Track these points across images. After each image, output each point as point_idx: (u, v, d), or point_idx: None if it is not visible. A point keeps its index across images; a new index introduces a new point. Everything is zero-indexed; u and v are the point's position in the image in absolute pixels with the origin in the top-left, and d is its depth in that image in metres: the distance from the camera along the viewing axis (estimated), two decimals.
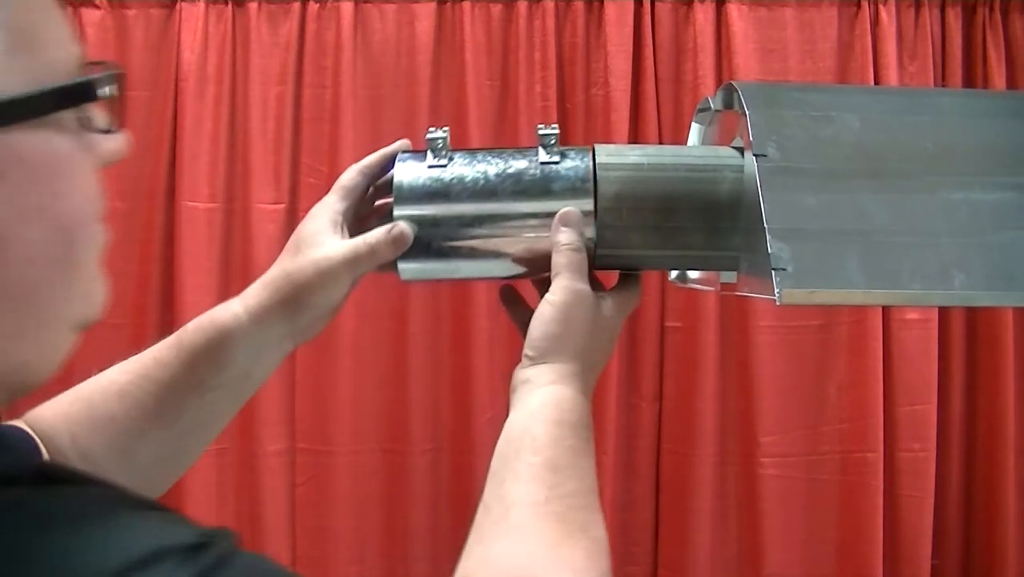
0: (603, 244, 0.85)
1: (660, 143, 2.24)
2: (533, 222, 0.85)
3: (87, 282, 0.56)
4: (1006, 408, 2.27)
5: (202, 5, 2.24)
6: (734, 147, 0.89)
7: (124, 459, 0.79)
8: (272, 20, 2.27)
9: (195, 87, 2.23)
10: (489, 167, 0.87)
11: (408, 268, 0.86)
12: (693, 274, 1.02)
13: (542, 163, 0.87)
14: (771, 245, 0.74)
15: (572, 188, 0.85)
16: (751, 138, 0.81)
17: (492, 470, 0.71)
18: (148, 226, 2.25)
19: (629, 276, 0.89)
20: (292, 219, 2.26)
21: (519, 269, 0.88)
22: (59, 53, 0.53)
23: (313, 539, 2.27)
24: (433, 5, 2.28)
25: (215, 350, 0.81)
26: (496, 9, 2.29)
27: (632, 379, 2.30)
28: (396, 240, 0.83)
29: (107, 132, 0.56)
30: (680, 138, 2.21)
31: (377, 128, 2.27)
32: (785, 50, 2.29)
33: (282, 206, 2.27)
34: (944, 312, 2.26)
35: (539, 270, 0.87)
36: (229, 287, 2.25)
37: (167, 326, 2.24)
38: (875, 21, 2.27)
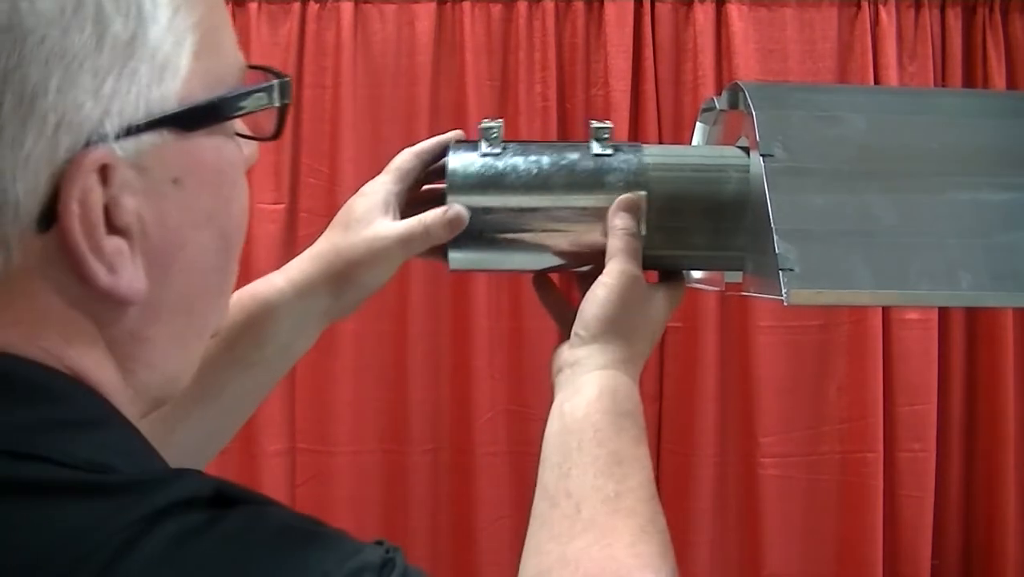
0: None
1: (660, 143, 2.24)
2: (586, 214, 0.85)
3: (229, 292, 0.56)
4: (1006, 408, 2.27)
5: None
6: (739, 147, 0.89)
7: (166, 440, 0.78)
8: (272, 20, 2.26)
9: None
10: (543, 157, 0.87)
11: (458, 257, 0.86)
12: (697, 274, 1.02)
13: (595, 155, 0.87)
14: (778, 245, 0.74)
15: (625, 180, 0.86)
16: (758, 138, 0.81)
17: (552, 461, 0.72)
18: None
19: (673, 272, 0.89)
20: (292, 219, 2.26)
21: (570, 261, 0.88)
22: (232, 57, 0.52)
23: None
24: (433, 5, 2.27)
25: (257, 325, 0.80)
26: (496, 9, 2.29)
27: None
28: (451, 222, 0.83)
29: (245, 137, 0.55)
30: (680, 138, 2.21)
31: (377, 128, 2.27)
32: (785, 50, 2.29)
33: (282, 206, 2.26)
34: (944, 312, 2.26)
35: (590, 263, 0.87)
36: None
37: None
38: (875, 21, 2.27)
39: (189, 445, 0.80)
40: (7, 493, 0.43)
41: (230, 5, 2.25)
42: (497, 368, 2.26)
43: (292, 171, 2.28)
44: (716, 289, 0.98)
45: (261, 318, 0.80)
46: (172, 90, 0.48)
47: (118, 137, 0.46)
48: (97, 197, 0.46)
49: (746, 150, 0.87)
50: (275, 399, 2.24)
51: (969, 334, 2.33)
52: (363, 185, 0.89)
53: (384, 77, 2.29)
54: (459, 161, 0.86)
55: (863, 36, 2.27)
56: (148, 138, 0.47)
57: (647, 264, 0.89)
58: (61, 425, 0.46)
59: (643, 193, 0.85)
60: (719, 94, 0.94)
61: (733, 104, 0.91)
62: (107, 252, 0.46)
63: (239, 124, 0.55)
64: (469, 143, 0.88)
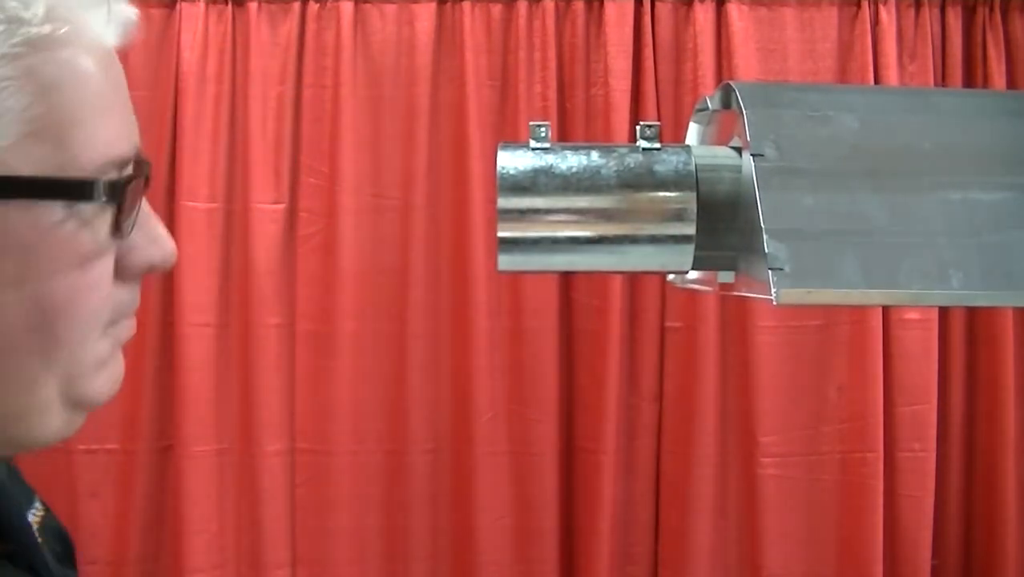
0: None
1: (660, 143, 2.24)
2: (638, 208, 0.86)
3: (76, 363, 0.58)
4: (1006, 408, 2.27)
5: (202, 5, 2.24)
6: (732, 147, 0.89)
7: None
8: (272, 20, 2.27)
9: (195, 87, 2.23)
10: (592, 151, 0.87)
11: (507, 259, 0.87)
12: (691, 274, 1.02)
13: (644, 149, 0.88)
14: (768, 245, 0.74)
15: (675, 171, 0.86)
16: (748, 138, 0.81)
17: None
18: None
19: None
20: (292, 219, 2.26)
21: (620, 260, 0.88)
22: (87, 152, 0.56)
23: (313, 539, 2.27)
24: (433, 5, 2.28)
25: None
26: (496, 9, 2.29)
27: (632, 379, 2.30)
28: None
29: (117, 236, 0.58)
30: (680, 138, 2.21)
31: (377, 128, 2.27)
32: (785, 50, 2.29)
33: (282, 206, 2.27)
34: (944, 312, 2.26)
35: (638, 265, 0.88)
36: (229, 287, 2.25)
37: (167, 326, 2.24)
38: (875, 21, 2.27)
39: None
40: None
41: (230, 5, 2.25)
42: (497, 368, 2.26)
43: (292, 171, 2.28)
44: (709, 289, 0.98)
45: None
46: None
47: None
48: None
49: (739, 150, 0.87)
50: (275, 399, 2.25)
51: (969, 334, 2.33)
52: (363, 185, 0.90)
53: (384, 77, 2.29)
54: (509, 158, 0.87)
55: (863, 36, 2.27)
56: None
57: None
58: None
59: (691, 195, 0.86)
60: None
61: (726, 104, 0.91)
62: None
63: (150, 218, 0.60)
64: (516, 144, 0.89)
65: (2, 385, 0.56)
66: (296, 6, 2.27)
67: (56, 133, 0.54)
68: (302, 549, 2.28)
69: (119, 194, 0.57)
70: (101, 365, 0.60)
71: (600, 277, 2.22)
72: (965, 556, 2.35)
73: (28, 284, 0.55)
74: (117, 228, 0.58)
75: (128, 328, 0.63)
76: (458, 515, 2.29)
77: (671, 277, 1.04)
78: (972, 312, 2.28)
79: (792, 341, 2.28)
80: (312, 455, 2.28)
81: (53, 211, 0.55)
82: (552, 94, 2.27)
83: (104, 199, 0.56)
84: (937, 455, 2.28)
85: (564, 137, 2.26)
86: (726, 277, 0.91)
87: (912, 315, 2.24)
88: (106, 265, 0.58)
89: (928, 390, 2.26)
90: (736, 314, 2.26)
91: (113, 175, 0.57)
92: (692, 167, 0.86)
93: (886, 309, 2.21)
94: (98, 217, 0.56)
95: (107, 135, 0.57)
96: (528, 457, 2.27)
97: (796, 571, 2.30)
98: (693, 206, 0.85)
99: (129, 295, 0.62)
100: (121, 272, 0.60)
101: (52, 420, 0.58)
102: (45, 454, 0.77)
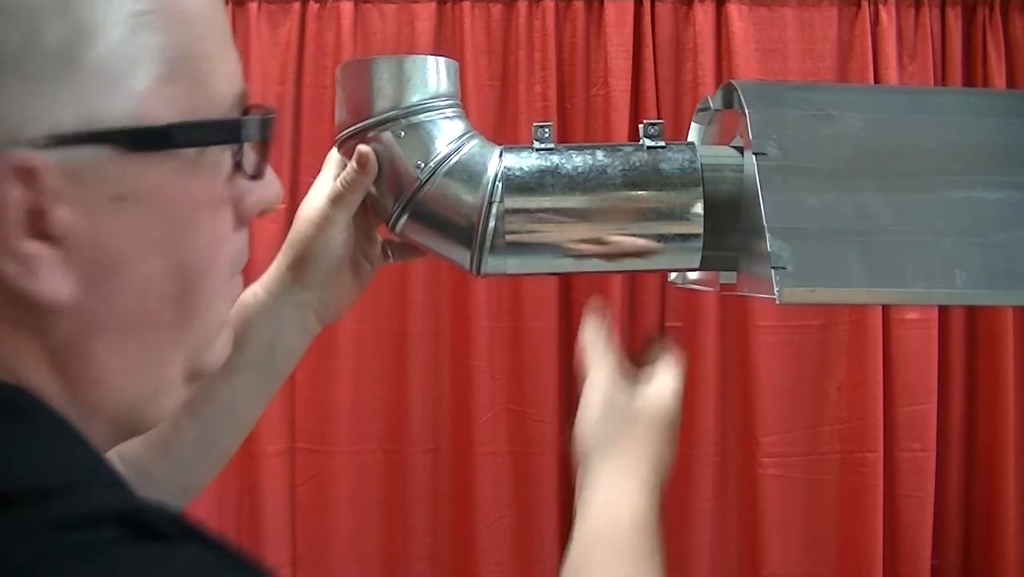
0: None
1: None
2: (645, 207, 0.86)
3: (204, 331, 0.55)
4: (1006, 408, 2.26)
5: None
6: (734, 146, 0.89)
7: (163, 453, 0.79)
8: (272, 20, 2.26)
9: None
10: (597, 150, 0.88)
11: (517, 263, 0.87)
12: (692, 274, 1.02)
13: (648, 147, 0.88)
14: (771, 244, 0.74)
15: (681, 168, 0.86)
16: (751, 137, 0.81)
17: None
18: None
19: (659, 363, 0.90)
20: (292, 219, 2.25)
21: (626, 261, 0.88)
22: (221, 92, 0.52)
23: (313, 539, 2.27)
24: (433, 5, 2.27)
25: (235, 329, 0.80)
26: (496, 9, 2.28)
27: None
28: (360, 161, 0.85)
29: (256, 178, 0.56)
30: (679, 138, 2.20)
31: None
32: (785, 50, 2.29)
33: (282, 206, 2.25)
34: (944, 312, 2.26)
35: (643, 265, 0.88)
36: None
37: None
38: (875, 21, 2.27)
39: (188, 458, 0.82)
40: None
41: (230, 5, 2.25)
42: (497, 368, 2.26)
43: (292, 171, 2.27)
44: (710, 289, 0.98)
45: (237, 321, 0.79)
46: (122, 108, 0.47)
47: (47, 145, 0.45)
48: (15, 200, 0.44)
49: (741, 150, 0.87)
50: (275, 399, 2.23)
51: (969, 334, 2.32)
52: None
53: None
54: (514, 159, 0.87)
55: (863, 36, 2.26)
56: (85, 151, 0.46)
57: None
58: None
59: (698, 190, 0.86)
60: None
61: (728, 103, 0.91)
62: (23, 255, 0.45)
63: (251, 163, 0.55)
64: (520, 146, 0.89)
65: (137, 367, 0.51)
66: (296, 6, 2.26)
67: (190, 70, 0.50)
68: (302, 549, 2.28)
69: (267, 129, 0.54)
70: (222, 329, 0.57)
71: (600, 277, 2.21)
72: (965, 556, 2.35)
73: (172, 246, 0.51)
74: (256, 167, 0.55)
75: (240, 284, 0.60)
76: (458, 515, 2.28)
77: (672, 276, 1.04)
78: (972, 312, 2.28)
79: (792, 341, 2.28)
80: (312, 455, 2.27)
81: (189, 156, 0.50)
82: (552, 94, 2.27)
83: (257, 137, 0.53)
84: (937, 455, 2.28)
85: (564, 137, 2.25)
86: (728, 277, 0.91)
87: (912, 315, 2.24)
88: (229, 213, 0.55)
89: (928, 390, 2.26)
90: (736, 314, 2.26)
91: (240, 110, 0.53)
92: (698, 165, 0.86)
93: (886, 309, 2.20)
94: (221, 158, 0.52)
95: (231, 67, 0.54)
96: (528, 457, 2.27)
97: (796, 571, 2.30)
98: (700, 204, 0.85)
99: (244, 245, 0.58)
100: (237, 219, 0.56)
101: (172, 399, 0.54)
102: None
